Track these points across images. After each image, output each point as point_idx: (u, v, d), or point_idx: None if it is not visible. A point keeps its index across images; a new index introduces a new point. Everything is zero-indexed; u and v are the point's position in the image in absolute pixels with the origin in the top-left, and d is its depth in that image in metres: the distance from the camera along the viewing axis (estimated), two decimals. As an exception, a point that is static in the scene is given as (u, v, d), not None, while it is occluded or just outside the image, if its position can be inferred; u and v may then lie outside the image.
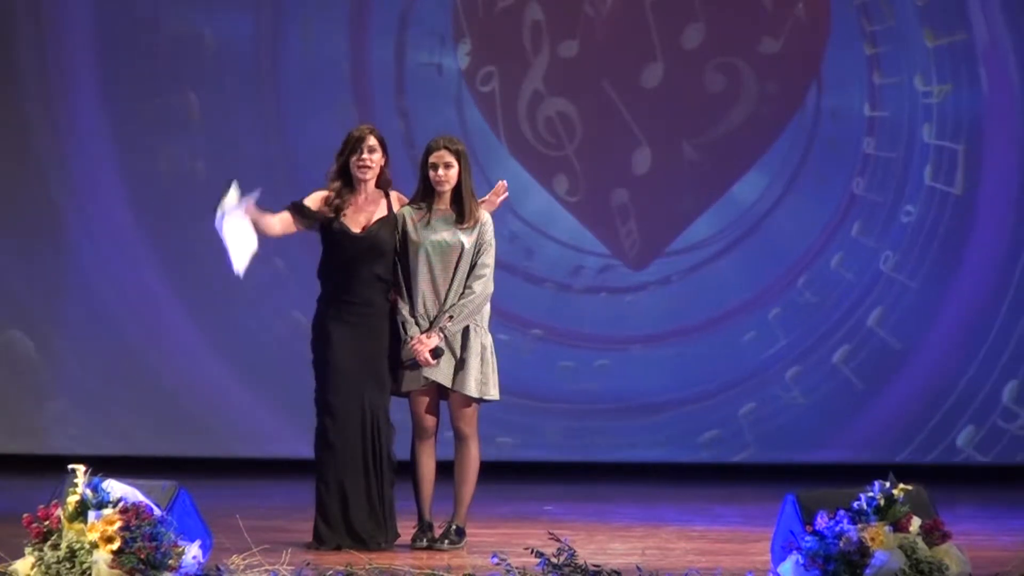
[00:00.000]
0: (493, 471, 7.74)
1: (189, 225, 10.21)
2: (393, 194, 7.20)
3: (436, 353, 7.02)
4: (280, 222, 7.10)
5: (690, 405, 10.28)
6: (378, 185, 7.16)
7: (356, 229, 7.07)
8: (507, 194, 7.35)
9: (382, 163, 7.14)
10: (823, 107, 10.19)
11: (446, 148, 7.09)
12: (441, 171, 7.08)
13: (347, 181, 7.13)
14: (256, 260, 6.96)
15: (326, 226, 7.10)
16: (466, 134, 9.97)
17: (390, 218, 7.12)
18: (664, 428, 10.29)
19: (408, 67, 10.33)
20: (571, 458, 10.35)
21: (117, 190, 10.41)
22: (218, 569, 6.09)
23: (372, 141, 7.10)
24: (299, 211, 7.11)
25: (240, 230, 6.92)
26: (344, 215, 7.09)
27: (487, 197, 7.28)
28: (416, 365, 7.04)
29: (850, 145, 10.19)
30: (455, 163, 7.10)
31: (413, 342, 7.01)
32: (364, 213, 7.11)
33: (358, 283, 7.06)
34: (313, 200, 7.15)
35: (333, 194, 7.10)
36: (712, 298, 10.26)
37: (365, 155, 7.08)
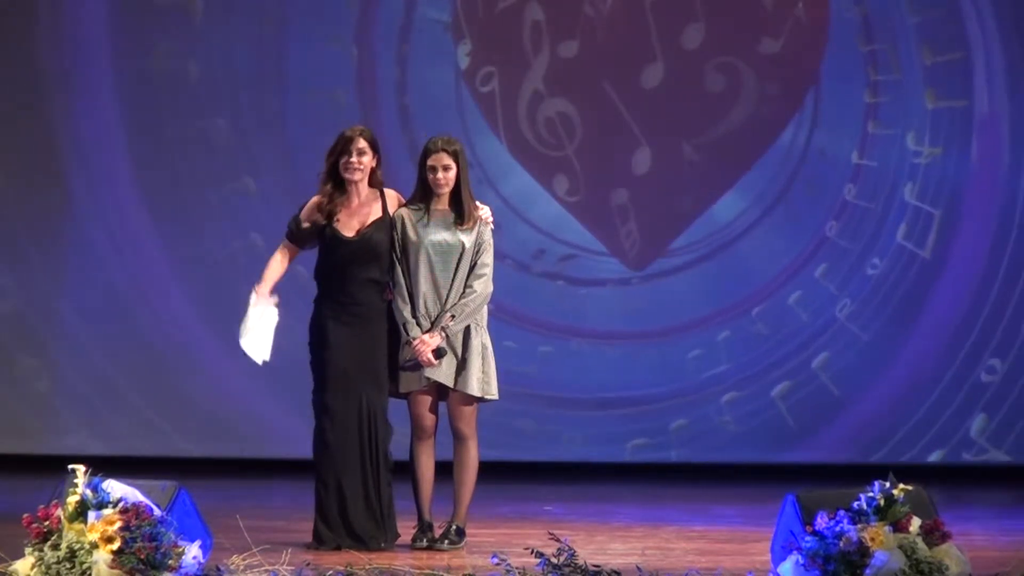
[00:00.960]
0: (493, 471, 7.74)
1: (197, 227, 10.22)
2: (389, 193, 7.17)
3: (439, 353, 7.01)
4: (283, 260, 7.14)
5: (621, 409, 10.22)
6: (371, 185, 7.14)
7: (349, 233, 7.05)
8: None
9: (373, 164, 7.09)
10: (813, 144, 10.15)
11: (444, 151, 7.08)
12: (440, 174, 7.07)
13: (338, 182, 7.10)
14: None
15: (320, 232, 7.09)
16: (466, 133, 9.96)
17: (385, 219, 7.10)
18: (590, 426, 10.24)
19: (415, 18, 10.26)
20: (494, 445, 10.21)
21: (130, 195, 10.44)
22: (218, 569, 6.09)
23: (362, 144, 7.05)
24: (296, 239, 7.14)
25: (264, 317, 7.07)
26: (337, 220, 7.06)
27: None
28: (417, 366, 7.03)
29: (831, 188, 10.14)
30: (453, 165, 7.09)
31: (416, 342, 7.01)
32: (358, 216, 7.09)
33: (353, 285, 7.06)
34: (307, 211, 7.12)
35: (325, 200, 7.08)
36: (665, 309, 10.20)
37: (354, 158, 7.04)
